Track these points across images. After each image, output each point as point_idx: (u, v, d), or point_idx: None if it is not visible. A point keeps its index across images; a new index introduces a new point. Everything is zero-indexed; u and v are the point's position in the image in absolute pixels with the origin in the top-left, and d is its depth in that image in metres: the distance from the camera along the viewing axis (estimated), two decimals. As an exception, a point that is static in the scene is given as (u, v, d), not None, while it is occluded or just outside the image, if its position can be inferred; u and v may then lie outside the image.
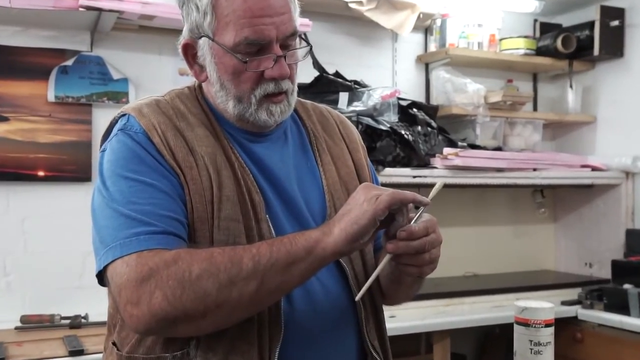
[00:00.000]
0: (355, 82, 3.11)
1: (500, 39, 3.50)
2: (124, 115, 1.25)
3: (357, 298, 1.17)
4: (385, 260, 1.15)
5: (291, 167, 1.30)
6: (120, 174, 1.15)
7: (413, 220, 1.13)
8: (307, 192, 1.30)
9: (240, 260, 1.06)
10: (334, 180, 1.34)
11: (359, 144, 1.45)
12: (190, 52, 1.26)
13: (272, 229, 1.21)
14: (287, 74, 1.22)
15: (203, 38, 1.22)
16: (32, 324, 2.53)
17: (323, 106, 1.48)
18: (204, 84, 1.30)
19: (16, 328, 2.50)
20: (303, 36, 1.30)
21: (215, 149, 1.21)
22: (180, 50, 1.27)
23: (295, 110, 1.38)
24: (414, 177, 2.90)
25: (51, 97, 2.69)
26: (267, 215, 1.21)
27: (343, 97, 2.99)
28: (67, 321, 2.55)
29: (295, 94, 1.29)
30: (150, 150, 1.17)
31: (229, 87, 1.22)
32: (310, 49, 1.31)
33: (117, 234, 1.09)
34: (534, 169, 3.25)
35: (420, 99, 3.42)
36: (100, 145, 1.26)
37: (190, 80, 1.33)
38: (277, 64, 1.20)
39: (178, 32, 1.27)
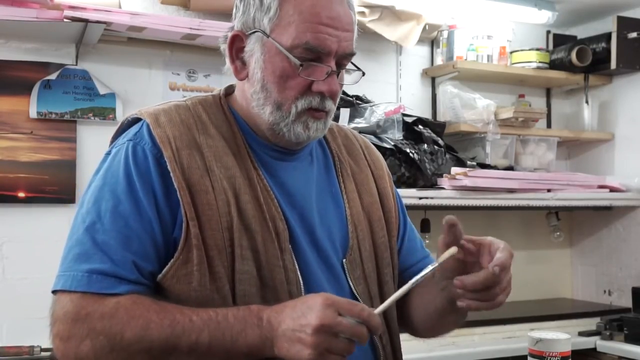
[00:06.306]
0: (357, 98, 3.12)
1: (511, 52, 3.52)
2: (138, 119, 1.24)
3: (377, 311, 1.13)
4: (412, 283, 1.14)
5: (314, 192, 1.30)
6: (105, 193, 1.17)
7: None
8: (329, 221, 1.29)
9: (176, 345, 1.08)
10: (357, 210, 1.34)
11: (384, 171, 1.46)
12: (236, 46, 1.26)
13: (294, 260, 1.21)
14: (336, 91, 1.23)
15: (257, 33, 1.22)
16: (9, 356, 2.51)
17: (347, 128, 1.49)
18: (238, 86, 1.31)
19: (-7, 361, 2.49)
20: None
21: (235, 169, 1.21)
22: (227, 41, 1.26)
23: None
24: (420, 198, 2.90)
25: (33, 113, 2.69)
26: (290, 246, 1.21)
27: (344, 113, 3.00)
28: (48, 353, 2.52)
29: (332, 116, 1.29)
30: (150, 174, 1.17)
31: (271, 89, 1.22)
32: (363, 74, 1.30)
33: (74, 263, 1.14)
34: (548, 190, 3.25)
35: (427, 115, 3.43)
36: (110, 143, 1.27)
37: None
38: (328, 78, 1.20)
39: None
